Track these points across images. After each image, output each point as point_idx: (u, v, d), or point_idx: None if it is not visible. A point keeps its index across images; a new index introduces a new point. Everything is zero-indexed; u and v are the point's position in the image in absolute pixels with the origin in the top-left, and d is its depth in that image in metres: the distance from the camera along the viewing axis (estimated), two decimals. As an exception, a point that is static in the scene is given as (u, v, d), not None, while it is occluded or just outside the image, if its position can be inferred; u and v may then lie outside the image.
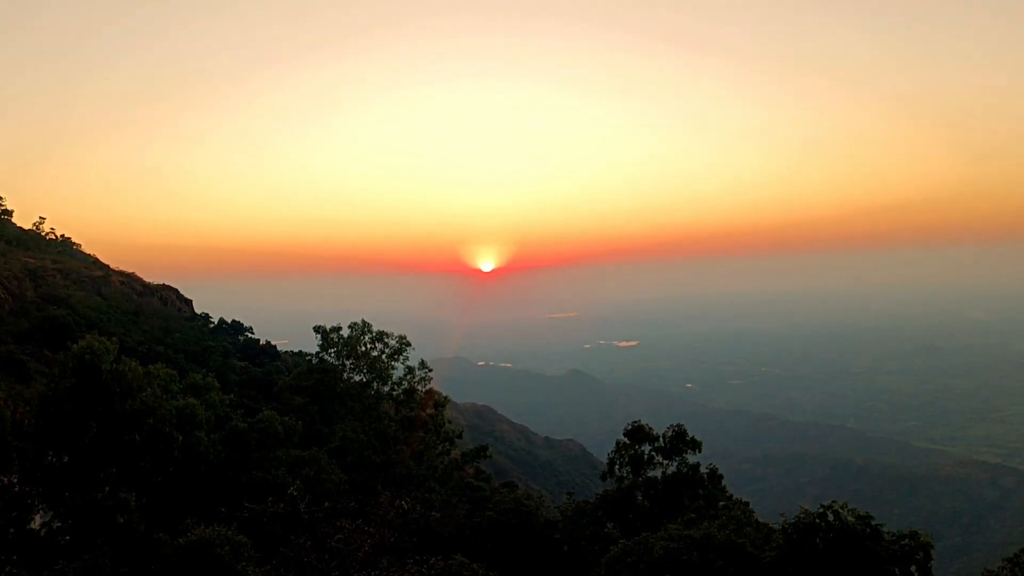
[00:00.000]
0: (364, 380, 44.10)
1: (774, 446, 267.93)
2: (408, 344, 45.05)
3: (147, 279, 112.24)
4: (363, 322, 45.08)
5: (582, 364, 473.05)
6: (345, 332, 44.42)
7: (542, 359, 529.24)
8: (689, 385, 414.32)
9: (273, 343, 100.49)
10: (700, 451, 33.75)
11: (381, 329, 45.20)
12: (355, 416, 44.78)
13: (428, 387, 45.21)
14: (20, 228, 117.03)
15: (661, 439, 34.12)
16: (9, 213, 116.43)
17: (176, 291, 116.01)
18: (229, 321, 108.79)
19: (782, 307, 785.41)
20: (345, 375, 44.07)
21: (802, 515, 22.23)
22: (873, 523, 21.85)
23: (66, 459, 24.41)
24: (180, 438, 28.46)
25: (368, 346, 44.70)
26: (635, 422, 35.26)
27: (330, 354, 44.19)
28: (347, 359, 43.99)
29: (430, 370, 45.29)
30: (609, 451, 35.22)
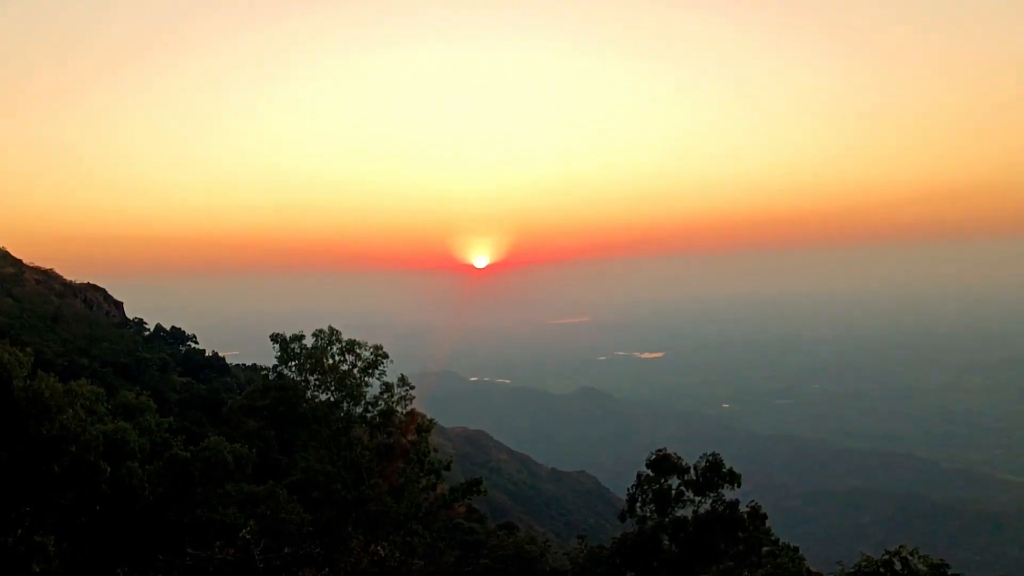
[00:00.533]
0: (332, 399, 44.07)
1: (829, 479, 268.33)
2: (385, 356, 45.00)
3: (68, 277, 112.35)
4: (331, 329, 45.04)
5: (595, 380, 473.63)
6: (309, 341, 44.37)
7: (547, 374, 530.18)
8: (725, 405, 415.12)
9: (221, 355, 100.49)
10: (739, 485, 33.77)
11: (353, 338, 45.16)
12: (321, 443, 44.79)
13: (409, 408, 45.17)
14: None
15: (692, 471, 34.14)
16: None
17: (104, 291, 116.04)
18: (168, 328, 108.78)
19: (837, 310, 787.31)
20: (309, 393, 44.02)
21: (863, 563, 22.23)
22: (949, 573, 21.86)
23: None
24: (108, 469, 28.44)
25: (337, 358, 44.65)
26: (660, 450, 35.29)
27: (290, 368, 44.14)
28: (311, 374, 43.93)
29: (412, 387, 45.25)
30: (629, 486, 35.25)
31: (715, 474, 33.64)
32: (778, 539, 32.82)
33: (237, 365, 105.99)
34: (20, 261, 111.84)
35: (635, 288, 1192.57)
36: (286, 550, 26.16)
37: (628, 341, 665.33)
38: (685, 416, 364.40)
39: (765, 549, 31.69)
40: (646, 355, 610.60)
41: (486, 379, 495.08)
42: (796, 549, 31.97)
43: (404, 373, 45.88)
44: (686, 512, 33.63)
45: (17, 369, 26.01)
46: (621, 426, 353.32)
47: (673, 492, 34.07)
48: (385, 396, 44.63)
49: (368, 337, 46.46)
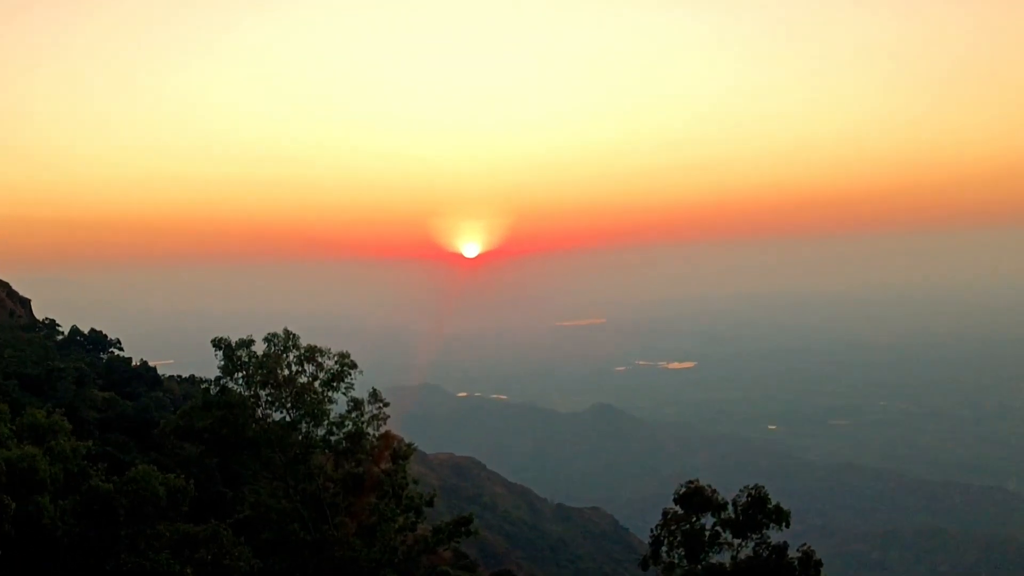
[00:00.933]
0: (288, 419, 44.11)
1: (899, 517, 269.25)
2: (353, 365, 45.02)
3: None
4: (287, 332, 45.04)
5: (612, 396, 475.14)
6: (259, 348, 44.39)
7: (553, 388, 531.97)
8: (772, 427, 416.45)
9: (152, 364, 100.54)
10: (788, 525, 33.90)
11: (313, 343, 45.21)
12: (274, 473, 44.88)
13: (383, 430, 45.27)
14: None
15: (730, 507, 34.23)
16: None
17: (7, 286, 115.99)
18: (86, 331, 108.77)
19: (909, 309, 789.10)
20: (260, 412, 44.04)
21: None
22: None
23: None
24: (13, 505, 28.44)
25: (294, 368, 44.65)
26: (691, 482, 35.36)
27: (237, 381, 44.14)
28: (262, 388, 43.93)
29: (386, 404, 45.29)
30: (653, 525, 35.33)
31: (759, 511, 33.73)
32: (836, 591, 32.97)
33: (171, 377, 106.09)
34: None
35: (660, 283, 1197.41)
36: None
37: (652, 348, 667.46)
38: (721, 440, 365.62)
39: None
40: (674, 365, 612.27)
41: (477, 394, 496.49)
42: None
43: (376, 387, 45.95)
44: (723, 558, 33.73)
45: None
46: (643, 453, 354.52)
47: (707, 534, 34.12)
48: (353, 415, 44.65)
49: (332, 342, 46.43)
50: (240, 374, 44.08)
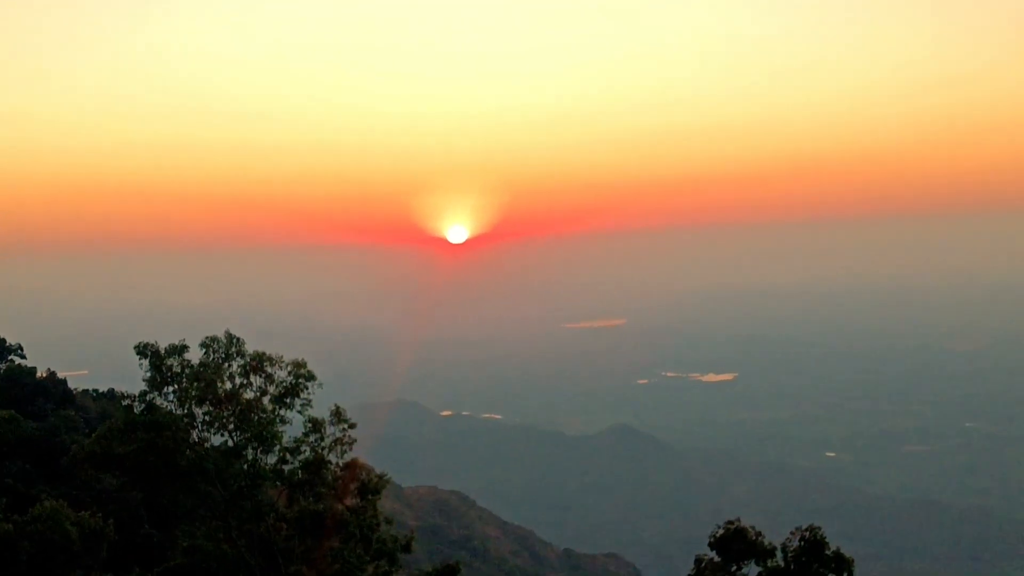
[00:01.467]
0: (231, 444, 44.13)
1: (990, 565, 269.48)
2: (312, 377, 45.02)
3: None
4: (229, 336, 45.01)
5: (633, 414, 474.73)
6: (195, 355, 44.39)
7: (560, 404, 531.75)
8: (830, 454, 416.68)
9: (62, 375, 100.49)
10: (851, 574, 33.92)
11: (262, 350, 45.19)
12: (214, 510, 44.86)
13: (349, 457, 45.31)
14: None
15: (779, 554, 34.26)
16: None
17: None
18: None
19: (1001, 304, 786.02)
20: (195, 435, 44.04)
21: None
22: None
23: None
24: None
25: (238, 381, 44.63)
26: (730, 522, 35.37)
27: (167, 396, 44.13)
28: (199, 405, 43.91)
29: (353, 425, 45.29)
30: (686, 574, 35.34)
31: (814, 559, 33.77)
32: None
33: (86, 391, 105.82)
34: None
35: (692, 275, 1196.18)
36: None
37: (682, 356, 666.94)
38: (768, 470, 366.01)
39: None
40: (709, 377, 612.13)
41: (465, 413, 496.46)
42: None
43: (340, 404, 45.95)
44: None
45: None
46: (671, 485, 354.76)
47: (750, 585, 34.18)
48: (311, 439, 44.65)
49: (286, 348, 46.34)
50: (171, 388, 43.97)
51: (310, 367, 45.34)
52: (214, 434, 44.20)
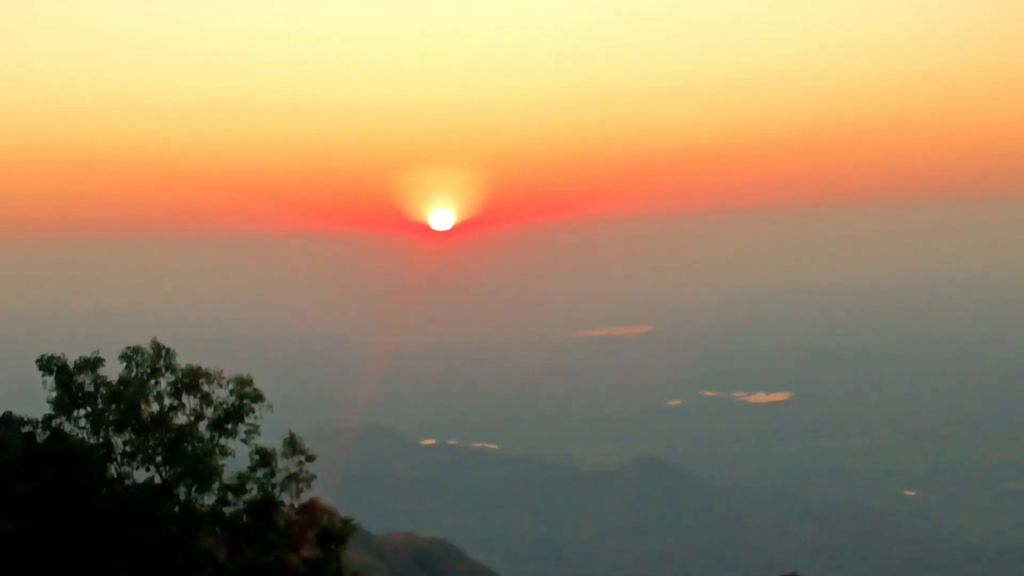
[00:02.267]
0: (159, 480, 44.18)
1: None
2: (260, 398, 45.10)
3: None
4: (156, 346, 45.09)
5: (663, 443, 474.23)
6: (113, 370, 44.40)
7: (571, 432, 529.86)
8: (910, 493, 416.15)
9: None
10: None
11: (197, 364, 45.23)
12: (138, 561, 44.81)
13: (307, 497, 45.36)
14: None
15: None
16: None
17: None
18: None
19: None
20: (114, 469, 44.08)
21: None
22: None
23: None
24: None
25: (168, 402, 44.69)
26: (783, 577, 35.56)
27: (79, 422, 44.16)
28: (119, 433, 43.98)
29: (311, 457, 45.38)
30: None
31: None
32: None
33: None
34: None
35: (735, 268, 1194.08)
36: None
37: (723, 371, 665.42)
38: (832, 513, 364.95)
39: None
40: (758, 397, 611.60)
41: (452, 442, 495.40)
42: None
43: (295, 431, 46.00)
44: None
45: None
46: (710, 532, 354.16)
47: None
48: (260, 475, 44.71)
49: (228, 361, 46.32)
50: (83, 411, 43.98)
51: (258, 384, 45.40)
52: (138, 468, 44.20)
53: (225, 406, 44.63)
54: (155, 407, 44.31)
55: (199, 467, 43.61)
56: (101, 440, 43.73)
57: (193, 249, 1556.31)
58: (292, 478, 44.89)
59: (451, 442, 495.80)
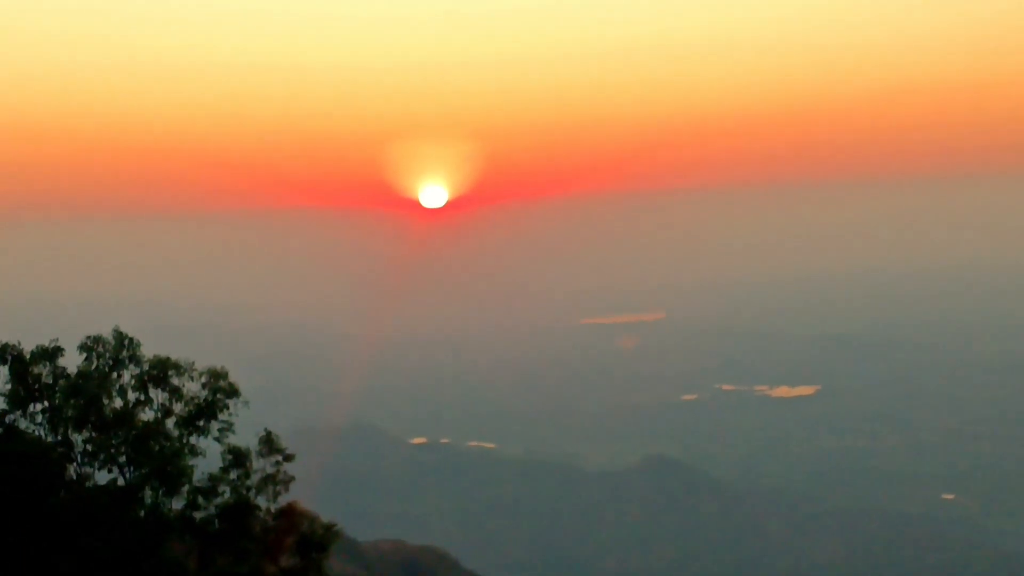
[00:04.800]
0: (123, 482, 44.15)
1: None
2: (235, 393, 45.09)
3: None
4: (118, 334, 45.02)
5: (677, 442, 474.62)
6: (72, 361, 44.35)
7: (576, 429, 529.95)
8: (948, 496, 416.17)
9: None
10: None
11: (165, 355, 45.19)
12: (100, 570, 44.81)
13: (285, 501, 45.35)
14: None
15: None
16: None
17: None
18: None
19: None
20: (73, 469, 44.04)
21: None
22: None
23: None
24: None
25: (132, 397, 44.67)
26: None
27: (34, 418, 44.13)
28: (78, 430, 43.94)
29: (289, 457, 45.38)
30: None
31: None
32: None
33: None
34: None
35: (756, 249, 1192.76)
36: None
37: (743, 362, 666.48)
38: (862, 518, 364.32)
39: None
40: (781, 391, 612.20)
41: (445, 441, 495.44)
42: None
43: (273, 428, 45.99)
44: None
45: None
46: (730, 538, 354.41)
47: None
48: (234, 476, 44.69)
49: (199, 352, 46.23)
50: (40, 405, 43.96)
51: (232, 377, 45.37)
52: (99, 469, 44.15)
53: (196, 401, 44.60)
54: (118, 402, 44.24)
55: (167, 468, 43.56)
56: (59, 438, 43.69)
57: (159, 230, 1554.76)
58: (269, 480, 44.87)
59: (443, 440, 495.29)
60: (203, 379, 44.84)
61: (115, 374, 44.37)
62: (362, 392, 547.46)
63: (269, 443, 45.08)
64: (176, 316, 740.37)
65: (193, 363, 45.16)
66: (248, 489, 44.60)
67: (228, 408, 44.75)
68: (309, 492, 47.26)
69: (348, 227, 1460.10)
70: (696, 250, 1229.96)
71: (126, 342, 44.74)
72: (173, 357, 45.10)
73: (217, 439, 44.94)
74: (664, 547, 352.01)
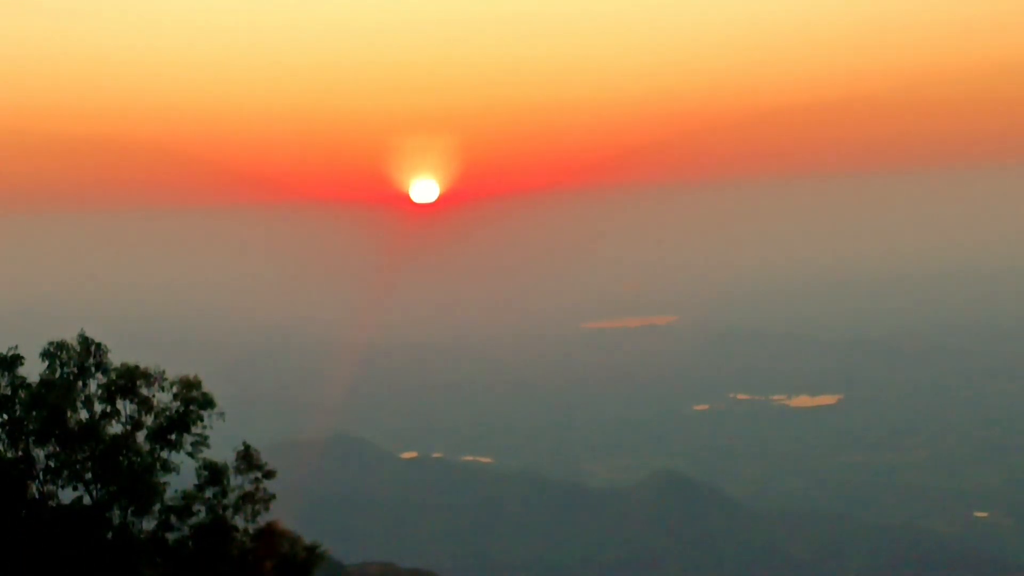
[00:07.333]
0: (90, 500, 44.13)
1: None
2: (209, 403, 45.10)
3: None
4: (85, 341, 45.04)
5: (687, 456, 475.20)
6: (33, 370, 44.34)
7: (579, 442, 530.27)
8: (981, 514, 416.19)
9: None
10: None
11: (134, 363, 45.17)
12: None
13: (264, 520, 45.32)
14: None
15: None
16: None
17: None
18: None
19: None
20: (35, 487, 44.04)
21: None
22: None
23: None
24: None
25: (99, 408, 44.62)
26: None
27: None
28: (41, 445, 43.94)
29: (270, 473, 45.40)
30: None
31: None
32: None
33: None
34: None
35: (771, 247, 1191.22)
36: None
37: (760, 369, 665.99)
38: (890, 537, 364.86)
39: None
40: (801, 401, 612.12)
41: (437, 455, 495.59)
42: None
43: (250, 443, 45.95)
44: None
45: None
46: (745, 560, 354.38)
47: None
48: (209, 494, 44.69)
49: (172, 359, 46.21)
50: (1, 416, 43.90)
51: (207, 387, 45.33)
52: (63, 486, 44.14)
53: (168, 413, 44.58)
54: (84, 414, 44.23)
55: (136, 485, 43.54)
56: (20, 453, 43.70)
57: (129, 224, 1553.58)
58: (247, 498, 44.87)
59: (436, 455, 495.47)
60: (175, 389, 44.80)
61: (80, 383, 44.35)
62: (348, 402, 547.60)
63: (247, 458, 45.09)
64: (146, 321, 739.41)
65: (164, 371, 45.13)
66: (225, 508, 44.60)
67: (202, 420, 44.74)
68: (290, 511, 47.22)
69: (334, 224, 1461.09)
70: (707, 249, 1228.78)
71: (92, 348, 44.69)
72: (143, 365, 45.04)
73: (191, 454, 44.91)
74: (673, 570, 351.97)
